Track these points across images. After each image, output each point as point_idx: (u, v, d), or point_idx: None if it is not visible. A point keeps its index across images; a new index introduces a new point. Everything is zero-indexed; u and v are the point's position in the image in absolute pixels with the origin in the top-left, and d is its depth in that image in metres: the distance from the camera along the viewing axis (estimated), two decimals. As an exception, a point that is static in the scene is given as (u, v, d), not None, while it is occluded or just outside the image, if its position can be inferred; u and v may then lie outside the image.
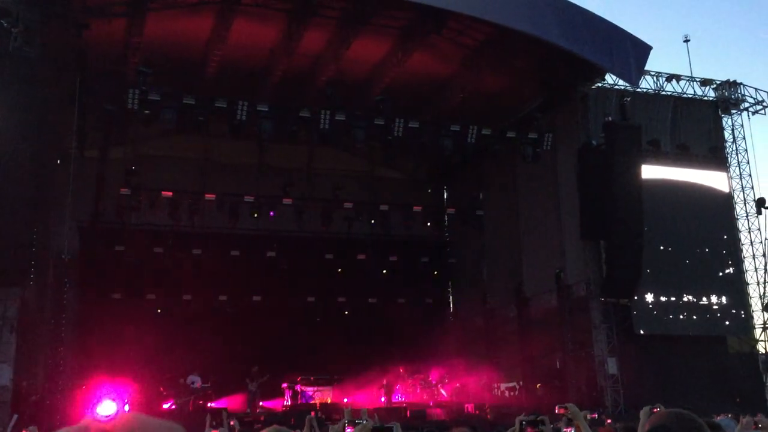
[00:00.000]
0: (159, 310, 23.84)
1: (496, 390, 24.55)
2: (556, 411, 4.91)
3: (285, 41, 20.78)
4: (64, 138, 18.71)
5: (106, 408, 16.90)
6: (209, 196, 22.91)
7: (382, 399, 22.59)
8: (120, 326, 21.60)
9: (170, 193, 22.09)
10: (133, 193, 21.50)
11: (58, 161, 18.99)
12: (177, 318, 23.24)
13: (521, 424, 4.71)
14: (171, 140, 24.06)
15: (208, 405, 20.13)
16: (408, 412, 20.09)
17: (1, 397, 15.27)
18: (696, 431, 2.28)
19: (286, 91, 22.46)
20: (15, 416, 13.89)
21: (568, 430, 4.85)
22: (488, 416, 20.42)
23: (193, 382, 20.07)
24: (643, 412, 4.12)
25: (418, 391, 23.46)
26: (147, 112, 18.38)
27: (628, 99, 21.70)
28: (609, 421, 10.79)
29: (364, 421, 5.09)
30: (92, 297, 21.95)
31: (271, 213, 23.67)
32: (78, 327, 20.74)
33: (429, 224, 25.93)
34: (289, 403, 21.75)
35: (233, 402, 21.40)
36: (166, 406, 19.22)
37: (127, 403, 17.41)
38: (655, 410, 4.01)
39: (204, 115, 19.30)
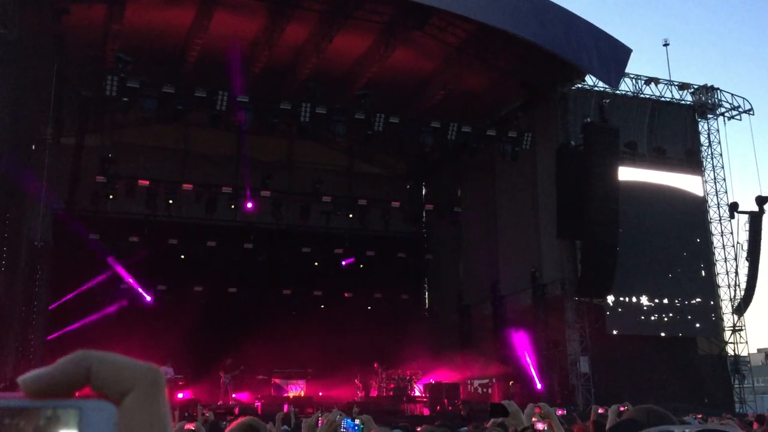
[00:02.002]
0: (133, 300, 23.59)
1: (469, 386, 24.69)
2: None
3: (267, 33, 20.66)
4: (40, 124, 18.45)
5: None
6: (187, 186, 22.73)
7: (358, 393, 22.63)
8: (92, 315, 21.37)
9: (147, 182, 21.87)
10: (109, 182, 21.22)
11: (33, 147, 18.72)
12: (151, 308, 23.03)
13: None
14: (149, 129, 23.84)
15: (178, 396, 20.00)
16: (381, 407, 20.13)
17: (-31, 384, 15.06)
18: (660, 419, 2.32)
19: (267, 83, 22.35)
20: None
21: (542, 426, 4.90)
22: (462, 412, 20.53)
23: (165, 373, 19.87)
24: (611, 410, 4.18)
25: (392, 386, 23.51)
26: (125, 99, 18.18)
27: (607, 101, 21.90)
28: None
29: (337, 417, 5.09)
30: (65, 285, 21.68)
31: (250, 204, 23.46)
32: (49, 315, 20.48)
33: (407, 220, 25.95)
34: (262, 396, 21.69)
35: (206, 393, 21.29)
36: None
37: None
38: (622, 408, 4.08)
39: (183, 105, 19.13)
